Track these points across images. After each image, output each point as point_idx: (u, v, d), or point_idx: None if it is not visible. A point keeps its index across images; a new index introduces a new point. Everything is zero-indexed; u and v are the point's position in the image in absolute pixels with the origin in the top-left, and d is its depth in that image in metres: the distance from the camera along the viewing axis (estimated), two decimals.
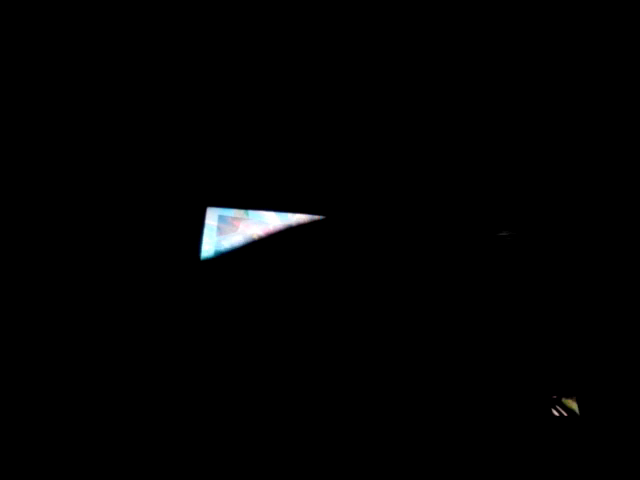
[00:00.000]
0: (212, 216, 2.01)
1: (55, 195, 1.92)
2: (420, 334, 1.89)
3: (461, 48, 1.74)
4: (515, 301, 1.93)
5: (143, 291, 1.82)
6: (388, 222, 2.07)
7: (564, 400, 1.77)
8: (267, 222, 2.02)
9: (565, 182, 2.09)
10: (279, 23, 1.67)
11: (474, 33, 1.67)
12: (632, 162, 2.02)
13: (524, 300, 1.93)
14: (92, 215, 1.93)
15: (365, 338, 1.86)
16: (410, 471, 1.61)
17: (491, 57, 1.75)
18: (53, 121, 1.95)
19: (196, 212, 2.01)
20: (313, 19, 1.65)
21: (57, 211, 1.90)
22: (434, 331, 1.90)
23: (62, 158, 1.97)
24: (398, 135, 2.08)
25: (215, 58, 1.80)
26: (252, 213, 2.03)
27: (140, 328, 1.77)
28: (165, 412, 1.64)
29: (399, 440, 1.67)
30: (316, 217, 2.06)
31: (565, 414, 1.74)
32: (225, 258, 1.94)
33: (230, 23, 1.67)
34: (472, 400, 1.77)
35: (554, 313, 1.91)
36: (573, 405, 1.76)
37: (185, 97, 1.94)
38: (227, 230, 1.98)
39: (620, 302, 1.89)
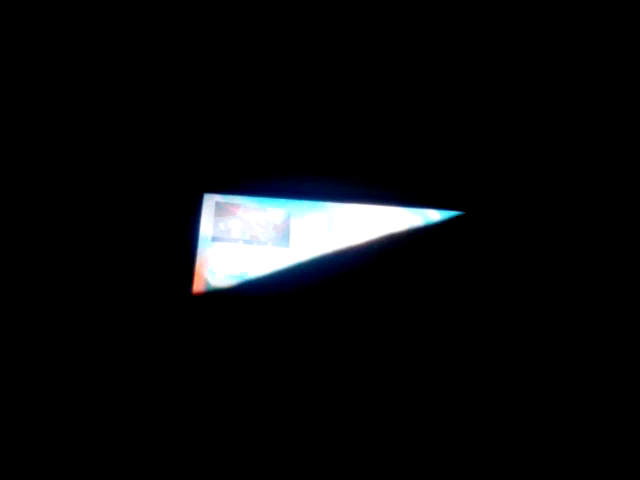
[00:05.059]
0: (209, 202, 1.91)
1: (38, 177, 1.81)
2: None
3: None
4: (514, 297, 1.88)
5: (131, 291, 1.74)
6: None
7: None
8: (267, 208, 1.92)
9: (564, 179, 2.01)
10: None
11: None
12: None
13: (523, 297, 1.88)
14: (74, 203, 1.83)
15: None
16: (410, 471, 1.59)
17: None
18: (28, 94, 1.83)
19: (191, 198, 1.91)
20: None
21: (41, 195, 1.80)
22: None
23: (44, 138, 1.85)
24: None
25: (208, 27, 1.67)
26: (251, 199, 1.93)
27: (127, 331, 1.70)
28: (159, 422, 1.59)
29: (399, 440, 1.64)
30: (320, 203, 1.96)
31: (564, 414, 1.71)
32: (225, 246, 1.85)
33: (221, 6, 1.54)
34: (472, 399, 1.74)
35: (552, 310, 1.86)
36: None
37: (175, 68, 1.82)
38: (225, 218, 1.89)
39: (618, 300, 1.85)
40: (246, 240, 1.86)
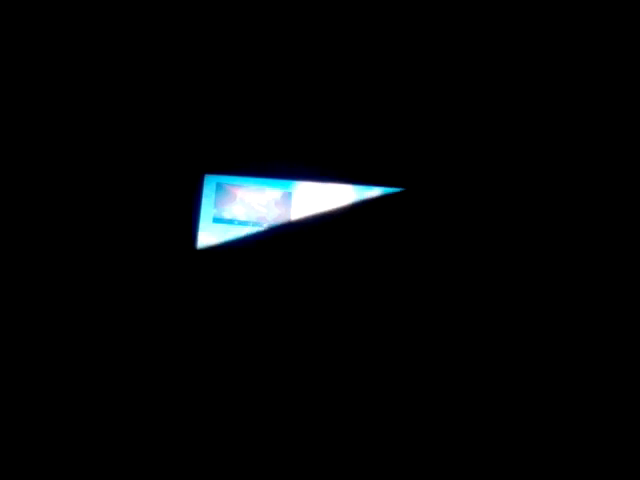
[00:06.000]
0: (209, 184, 1.93)
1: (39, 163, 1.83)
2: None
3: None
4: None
5: (134, 273, 1.75)
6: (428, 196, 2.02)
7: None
8: (266, 189, 1.95)
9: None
10: None
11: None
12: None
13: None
14: (73, 186, 1.85)
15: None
16: (410, 471, 1.58)
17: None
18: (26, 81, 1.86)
19: (192, 180, 1.93)
20: None
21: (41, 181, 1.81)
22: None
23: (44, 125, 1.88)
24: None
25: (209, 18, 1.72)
26: (252, 180, 1.96)
27: (130, 314, 1.71)
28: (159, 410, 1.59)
29: (399, 440, 1.63)
30: (320, 183, 2.00)
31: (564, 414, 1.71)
32: (227, 230, 1.87)
33: None
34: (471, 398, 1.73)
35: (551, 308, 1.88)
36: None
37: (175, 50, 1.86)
38: (226, 199, 1.91)
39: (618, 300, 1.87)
40: (245, 219, 1.89)
